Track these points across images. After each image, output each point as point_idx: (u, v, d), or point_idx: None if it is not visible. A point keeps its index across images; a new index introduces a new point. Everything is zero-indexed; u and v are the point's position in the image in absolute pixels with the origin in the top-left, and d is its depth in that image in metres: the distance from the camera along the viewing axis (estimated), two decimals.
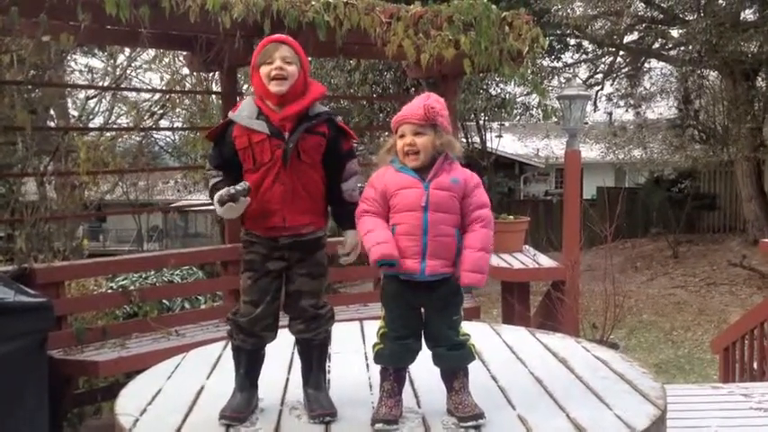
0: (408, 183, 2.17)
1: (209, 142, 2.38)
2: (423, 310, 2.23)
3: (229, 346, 2.42)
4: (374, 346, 2.27)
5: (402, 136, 2.20)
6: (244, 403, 2.26)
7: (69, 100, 14.12)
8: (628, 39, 15.89)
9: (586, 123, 15.27)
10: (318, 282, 2.34)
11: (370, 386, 2.51)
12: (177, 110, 13.06)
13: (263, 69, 2.24)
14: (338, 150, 2.33)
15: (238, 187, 2.17)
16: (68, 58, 12.10)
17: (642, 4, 14.80)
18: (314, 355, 2.36)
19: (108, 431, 3.26)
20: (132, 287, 6.28)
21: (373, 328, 2.31)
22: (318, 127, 2.28)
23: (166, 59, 10.38)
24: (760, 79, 14.77)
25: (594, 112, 17.27)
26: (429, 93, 2.30)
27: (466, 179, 2.20)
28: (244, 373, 2.33)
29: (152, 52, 10.82)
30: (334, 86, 12.78)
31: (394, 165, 2.22)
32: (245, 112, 2.27)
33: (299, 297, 2.31)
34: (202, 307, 6.59)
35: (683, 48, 14.73)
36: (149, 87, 12.94)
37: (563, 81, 15.07)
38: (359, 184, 2.36)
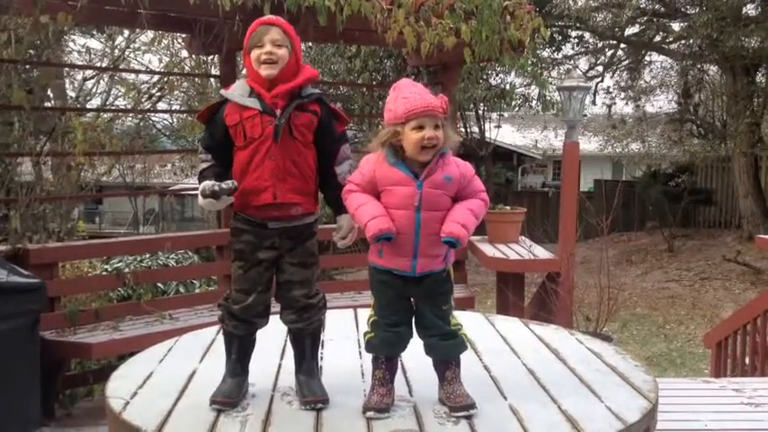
0: (401, 179, 2.10)
1: (202, 124, 2.35)
2: (412, 299, 2.22)
3: (222, 331, 2.41)
4: (365, 334, 2.26)
5: (420, 128, 2.07)
6: (234, 388, 2.25)
7: (67, 80, 14.05)
8: (629, 31, 15.86)
9: (585, 115, 15.26)
10: (310, 271, 2.32)
11: (363, 374, 2.51)
12: (175, 92, 13.00)
13: (254, 53, 2.22)
14: (331, 133, 2.31)
15: (224, 185, 2.14)
16: (66, 38, 12.02)
17: None
18: (306, 344, 2.35)
19: (100, 413, 3.26)
20: (127, 270, 6.27)
21: (367, 315, 2.31)
22: (310, 105, 2.26)
23: (165, 41, 10.32)
24: (760, 75, 14.79)
25: (594, 104, 17.25)
26: (410, 81, 2.21)
27: (461, 175, 2.14)
28: (235, 359, 2.32)
29: (151, 34, 10.75)
30: (335, 73, 12.74)
31: (387, 158, 2.12)
32: (237, 91, 2.26)
33: (290, 287, 2.29)
34: (197, 291, 6.58)
35: (683, 42, 14.73)
36: (148, 69, 12.85)
37: (563, 72, 15.04)
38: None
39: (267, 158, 2.20)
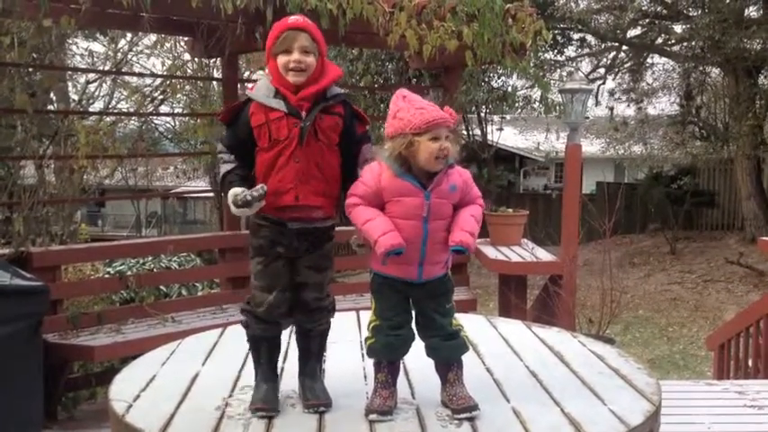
0: (409, 190, 2.11)
1: (222, 124, 2.32)
2: (412, 302, 2.23)
3: (226, 333, 2.41)
4: (366, 340, 2.26)
5: (436, 138, 2.09)
6: (271, 393, 2.24)
7: (69, 84, 14.06)
8: (631, 33, 15.86)
9: (587, 118, 15.24)
10: (323, 275, 2.31)
11: (365, 377, 2.51)
12: (178, 96, 13.02)
13: (281, 59, 2.19)
14: (353, 134, 2.29)
15: (254, 193, 2.12)
16: (69, 41, 12.05)
17: None
18: (312, 346, 2.35)
19: (103, 416, 3.26)
20: (129, 273, 6.27)
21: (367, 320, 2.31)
22: (335, 107, 2.25)
23: (168, 45, 10.34)
24: (762, 77, 14.75)
25: (596, 106, 17.26)
26: (408, 91, 2.22)
27: (463, 183, 2.19)
28: (266, 363, 2.30)
29: (153, 37, 10.77)
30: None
31: (393, 168, 2.13)
32: (262, 91, 2.23)
33: (303, 289, 2.29)
34: (199, 294, 6.58)
35: (685, 44, 14.72)
36: (150, 72, 12.88)
37: (565, 75, 15.03)
38: None
39: (291, 160, 2.19)
